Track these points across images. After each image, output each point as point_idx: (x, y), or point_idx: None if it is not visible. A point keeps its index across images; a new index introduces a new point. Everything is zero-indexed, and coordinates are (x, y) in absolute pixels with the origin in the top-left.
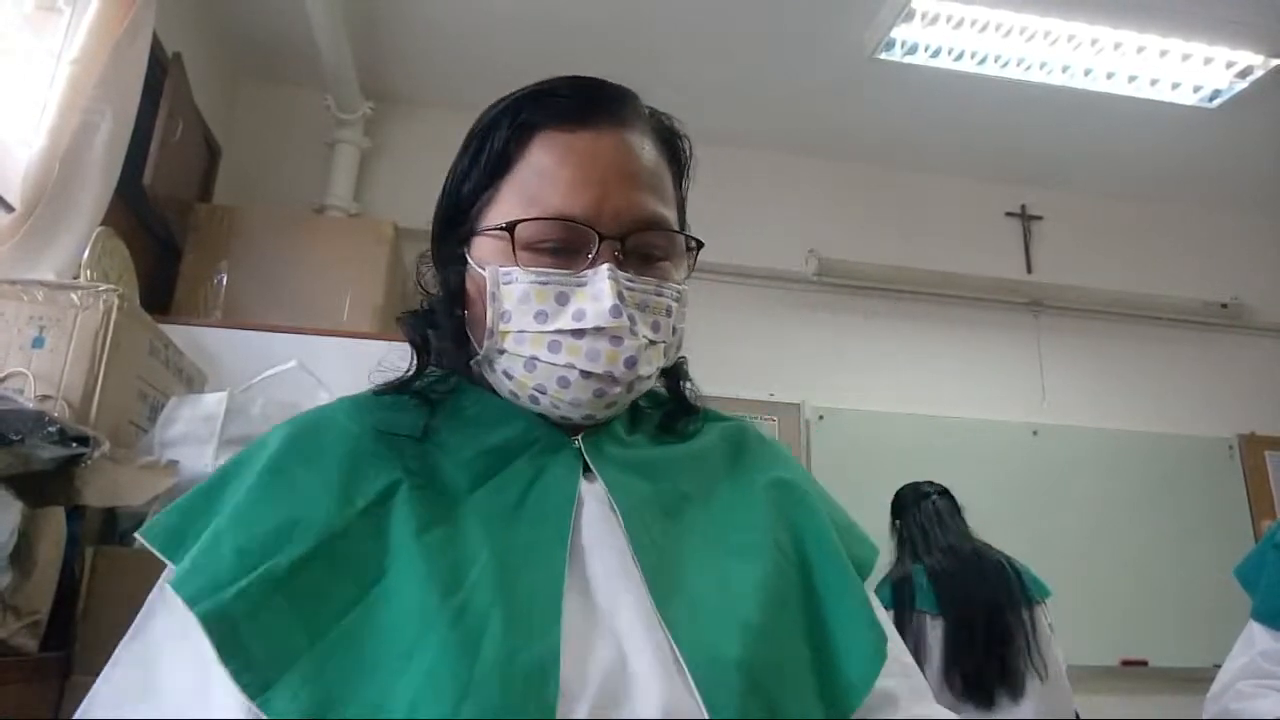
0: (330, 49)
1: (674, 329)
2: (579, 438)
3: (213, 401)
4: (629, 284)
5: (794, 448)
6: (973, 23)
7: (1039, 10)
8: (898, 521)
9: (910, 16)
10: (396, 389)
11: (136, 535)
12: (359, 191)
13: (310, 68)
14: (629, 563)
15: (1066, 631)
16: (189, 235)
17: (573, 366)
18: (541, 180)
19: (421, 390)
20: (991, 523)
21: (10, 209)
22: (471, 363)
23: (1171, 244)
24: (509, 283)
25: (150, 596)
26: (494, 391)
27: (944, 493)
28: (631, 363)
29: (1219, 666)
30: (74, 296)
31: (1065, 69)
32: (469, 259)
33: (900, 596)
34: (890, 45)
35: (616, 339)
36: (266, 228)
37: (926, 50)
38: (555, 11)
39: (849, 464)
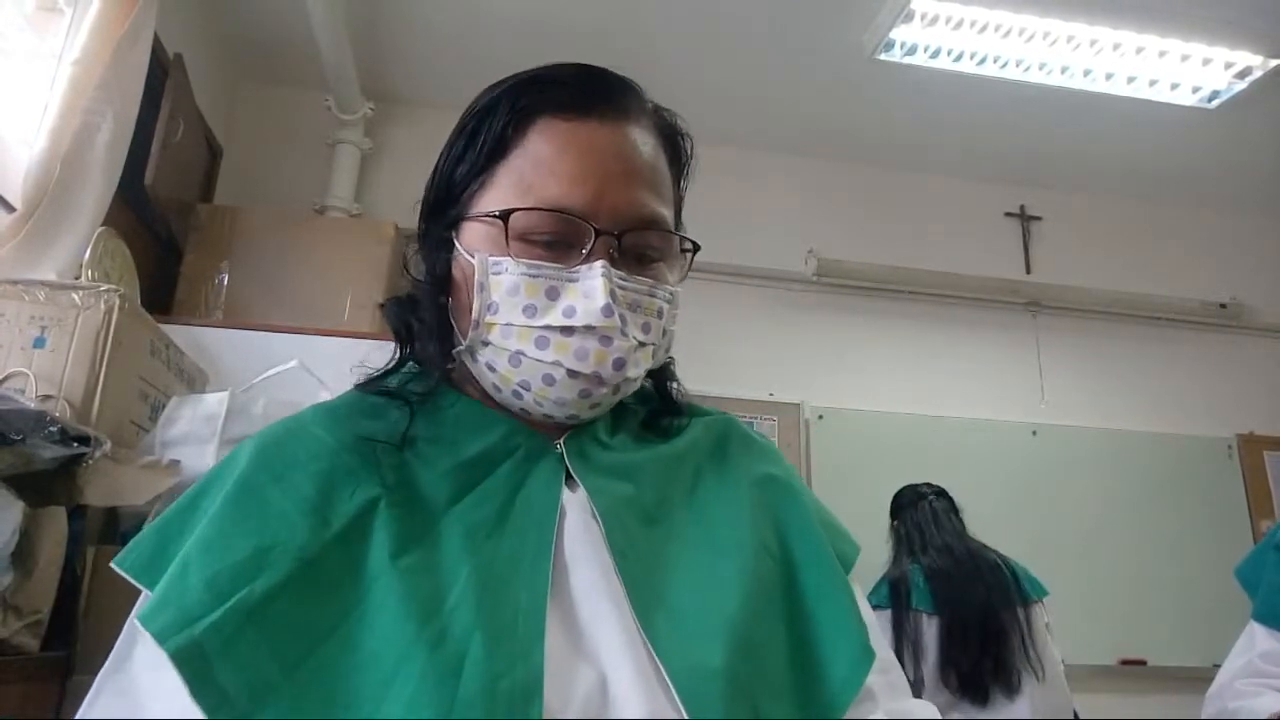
0: (331, 50)
1: (664, 331)
2: (561, 441)
3: (214, 401)
4: (622, 283)
5: (793, 447)
6: (972, 24)
7: (1038, 11)
8: (895, 522)
9: (910, 17)
10: (378, 382)
11: (113, 565)
12: (360, 192)
13: (311, 69)
14: (611, 574)
15: (1065, 631)
16: (190, 235)
17: (559, 364)
18: (539, 169)
19: (400, 392)
20: (990, 522)
21: (11, 209)
22: (454, 352)
23: (1170, 244)
24: (498, 273)
25: (128, 623)
26: (473, 393)
27: (941, 494)
28: (620, 364)
29: (1218, 666)
30: (75, 296)
31: (1064, 70)
32: (457, 244)
33: (897, 596)
34: (890, 46)
35: (606, 339)
36: (267, 228)
37: (926, 51)
38: (555, 12)
39: (848, 463)
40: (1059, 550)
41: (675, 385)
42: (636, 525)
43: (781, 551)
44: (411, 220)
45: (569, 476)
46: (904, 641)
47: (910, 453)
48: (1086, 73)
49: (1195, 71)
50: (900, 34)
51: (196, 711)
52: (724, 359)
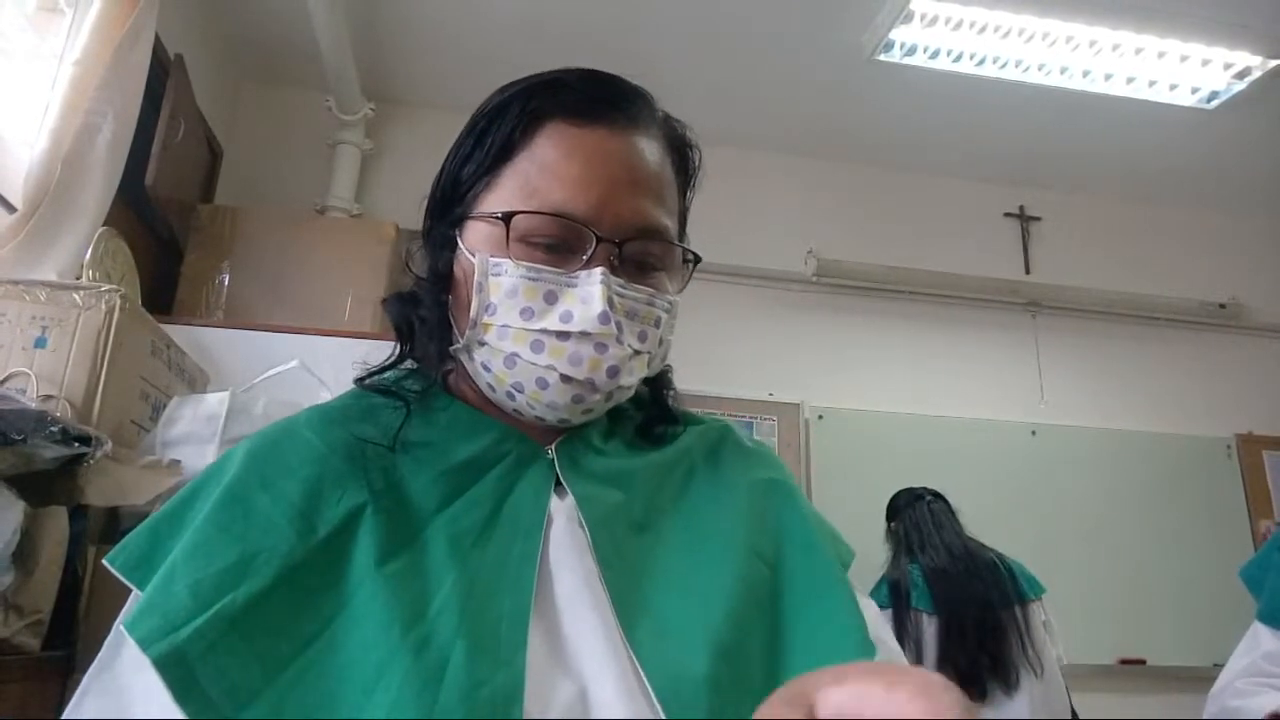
0: (331, 51)
1: (661, 340)
2: (553, 446)
3: (215, 401)
4: (620, 291)
5: (793, 447)
6: (971, 24)
7: (1037, 11)
8: (892, 524)
9: (909, 18)
10: (376, 378)
11: (104, 562)
12: (360, 192)
13: (312, 69)
14: (595, 582)
15: (1065, 630)
16: (191, 236)
17: (553, 369)
18: (545, 173)
19: (397, 389)
20: (990, 522)
21: (13, 209)
22: (451, 350)
23: (1169, 244)
24: (498, 274)
25: (116, 624)
26: (466, 395)
27: (938, 496)
28: (614, 372)
29: (1217, 665)
30: (76, 297)
31: (1064, 70)
32: (460, 243)
33: (897, 596)
34: (889, 47)
35: (602, 346)
36: (268, 228)
37: (925, 52)
38: (555, 13)
39: (848, 464)
40: (1058, 550)
41: (671, 393)
42: (624, 533)
43: (775, 556)
44: (412, 220)
45: (559, 483)
46: (905, 641)
47: (910, 453)
48: (1085, 73)
49: (1194, 72)
50: (900, 34)
51: (181, 713)
52: (724, 359)
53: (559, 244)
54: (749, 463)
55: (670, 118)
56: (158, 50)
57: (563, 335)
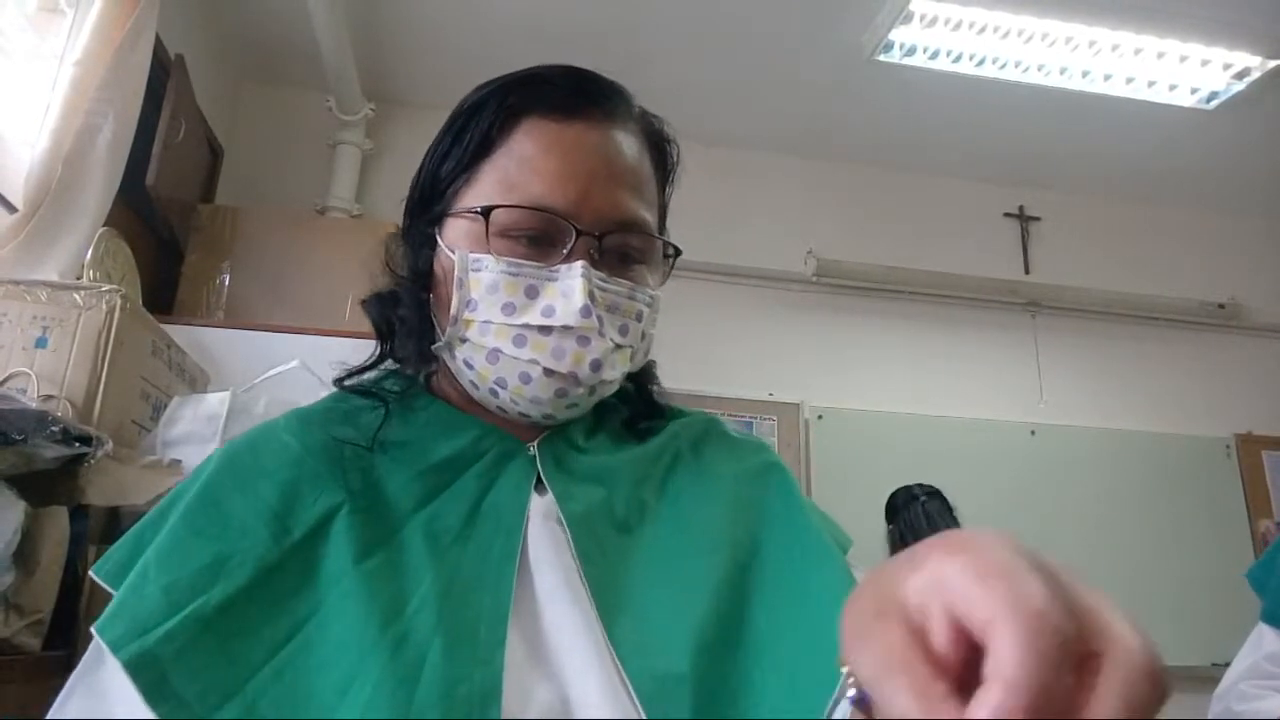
0: (332, 51)
1: (643, 334)
2: (535, 443)
3: (215, 401)
4: (601, 284)
5: (793, 447)
6: (971, 25)
7: (1036, 12)
8: (890, 525)
9: (909, 19)
10: (356, 378)
11: (90, 573)
12: (360, 193)
13: (312, 70)
14: (577, 581)
15: None
16: (191, 236)
17: (536, 363)
18: (523, 168)
19: (377, 390)
20: (989, 522)
21: (13, 209)
22: (433, 348)
23: (1169, 245)
24: (478, 270)
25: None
26: (448, 395)
27: (934, 494)
28: (597, 365)
29: (1217, 665)
30: (77, 297)
31: (1063, 70)
32: (440, 240)
33: None
34: (889, 47)
35: (584, 339)
36: (269, 228)
37: (925, 52)
38: (555, 14)
39: (848, 463)
40: (1057, 550)
41: (656, 387)
42: (605, 530)
43: (758, 538)
44: None
45: (540, 480)
46: None
47: (909, 452)
48: (1085, 74)
49: (1194, 72)
50: (899, 35)
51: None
52: (723, 359)
53: (539, 238)
54: (735, 452)
55: (647, 113)
56: (158, 50)
57: (545, 330)
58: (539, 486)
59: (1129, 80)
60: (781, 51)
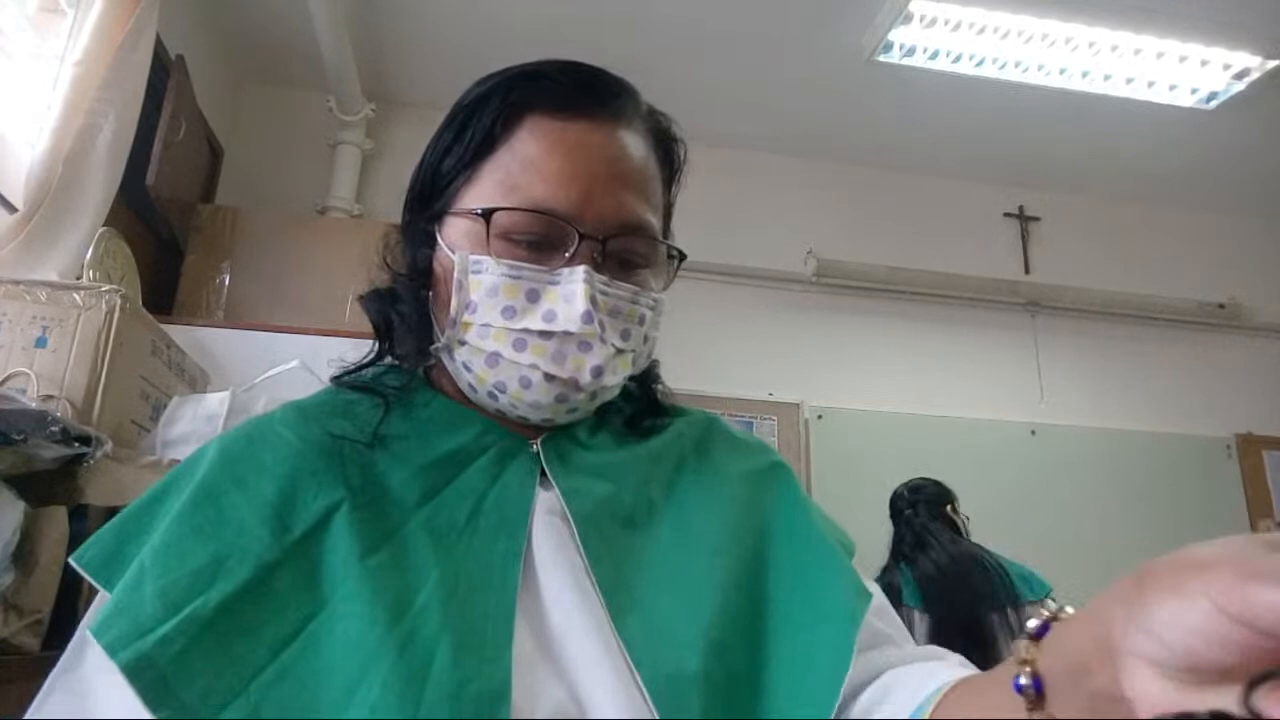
0: (332, 51)
1: (645, 338)
2: (538, 441)
3: (215, 401)
4: (604, 289)
5: (793, 447)
6: (970, 25)
7: (1036, 12)
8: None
9: (908, 19)
10: (355, 375)
11: (71, 560)
12: (361, 193)
13: (313, 70)
14: (584, 578)
15: None
16: (191, 236)
17: (536, 367)
18: (526, 168)
19: (376, 386)
20: (990, 522)
21: (13, 209)
22: (432, 349)
23: (1169, 245)
24: (478, 272)
25: (83, 623)
26: (448, 391)
27: (921, 502)
28: (598, 371)
29: None
30: (77, 297)
31: (1063, 71)
32: (439, 239)
33: (889, 596)
34: (888, 48)
35: (585, 345)
36: (269, 228)
37: (924, 53)
38: (555, 13)
39: (848, 463)
40: (1057, 550)
41: (659, 387)
42: (612, 527)
43: (764, 540)
44: None
45: (545, 476)
46: None
47: (909, 452)
48: (1085, 74)
49: (1193, 72)
50: (898, 35)
51: (146, 713)
52: (723, 359)
53: (540, 241)
54: (739, 452)
55: (655, 111)
56: (159, 50)
57: (545, 335)
58: (543, 481)
59: (1129, 80)
60: (781, 52)
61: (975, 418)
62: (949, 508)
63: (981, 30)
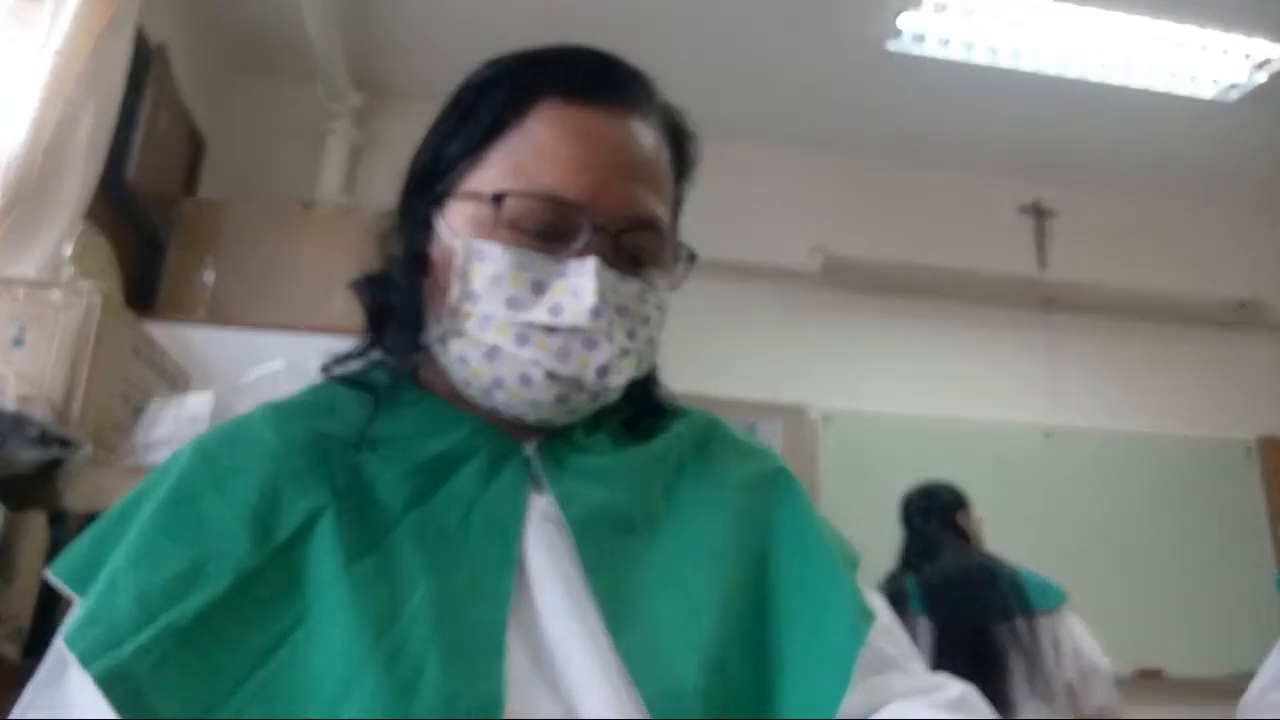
0: (320, 39)
1: (649, 339)
2: (531, 444)
3: (198, 403)
4: (614, 285)
5: (800, 449)
6: (982, 11)
7: None
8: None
9: (918, 4)
10: (344, 365)
11: (47, 573)
12: (350, 185)
13: (300, 58)
14: (580, 588)
15: None
16: (173, 230)
17: (539, 364)
18: (538, 153)
19: (365, 380)
20: (1001, 526)
21: None
22: (426, 340)
23: (1187, 241)
24: (482, 259)
25: (59, 634)
26: (437, 388)
27: (929, 509)
28: (603, 371)
29: (1236, 676)
30: (55, 295)
31: (1080, 60)
32: (441, 223)
33: (894, 601)
34: (899, 35)
35: (591, 342)
36: (254, 223)
37: (936, 40)
38: (552, 1)
39: (856, 466)
40: (1072, 555)
41: (659, 387)
42: (609, 533)
43: (766, 553)
44: None
45: (538, 479)
46: None
47: (919, 455)
48: (1102, 63)
49: (1214, 62)
50: (908, 22)
51: None
52: (728, 358)
53: (549, 229)
54: (742, 457)
55: (669, 105)
56: (140, 39)
57: (550, 329)
58: (536, 485)
59: (1148, 70)
60: (790, 41)
61: (987, 419)
62: (961, 514)
63: (995, 16)
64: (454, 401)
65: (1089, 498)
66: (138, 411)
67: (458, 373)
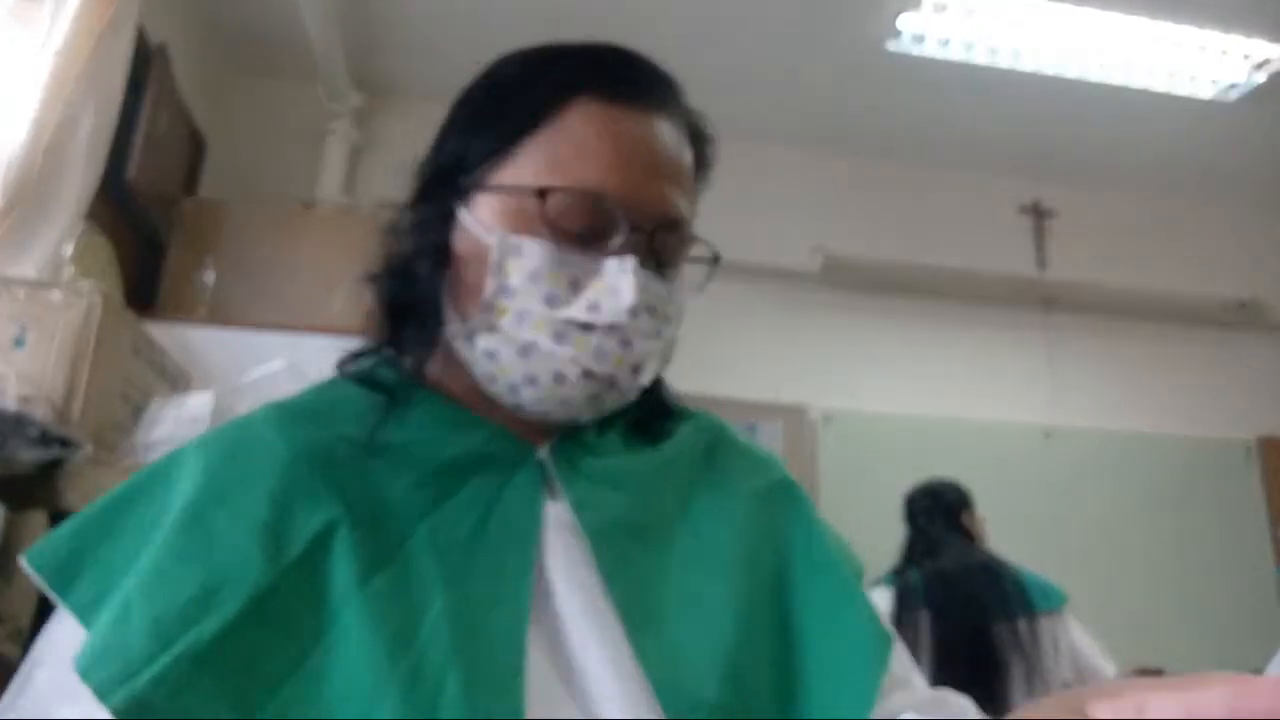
0: (320, 39)
1: (671, 340)
2: (544, 448)
3: (198, 403)
4: (648, 284)
5: (800, 449)
6: (981, 11)
7: None
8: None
9: (918, 4)
10: (357, 361)
11: (21, 560)
12: (350, 185)
13: (300, 58)
14: (599, 597)
15: None
16: (174, 230)
17: (576, 362)
18: (578, 150)
19: (378, 379)
20: (1002, 526)
21: None
22: (448, 334)
23: (1187, 241)
24: (519, 254)
25: (38, 642)
26: (446, 387)
27: (947, 507)
28: (637, 369)
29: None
30: (56, 295)
31: (1079, 60)
32: (467, 217)
33: (905, 598)
34: (899, 35)
35: (627, 342)
36: (254, 222)
37: (936, 40)
38: (554, 1)
39: (855, 466)
40: (1072, 555)
41: (666, 387)
42: (626, 541)
43: (783, 570)
44: None
45: (551, 485)
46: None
47: (919, 455)
48: (1102, 64)
49: (1213, 62)
50: (908, 22)
51: None
52: (728, 358)
53: (585, 227)
54: (749, 466)
55: (692, 110)
56: (140, 39)
57: (587, 327)
58: (551, 490)
59: (1148, 70)
60: (789, 41)
61: (987, 419)
62: (965, 513)
63: (995, 16)
64: (465, 399)
65: (1089, 498)
66: (138, 411)
67: (482, 368)
